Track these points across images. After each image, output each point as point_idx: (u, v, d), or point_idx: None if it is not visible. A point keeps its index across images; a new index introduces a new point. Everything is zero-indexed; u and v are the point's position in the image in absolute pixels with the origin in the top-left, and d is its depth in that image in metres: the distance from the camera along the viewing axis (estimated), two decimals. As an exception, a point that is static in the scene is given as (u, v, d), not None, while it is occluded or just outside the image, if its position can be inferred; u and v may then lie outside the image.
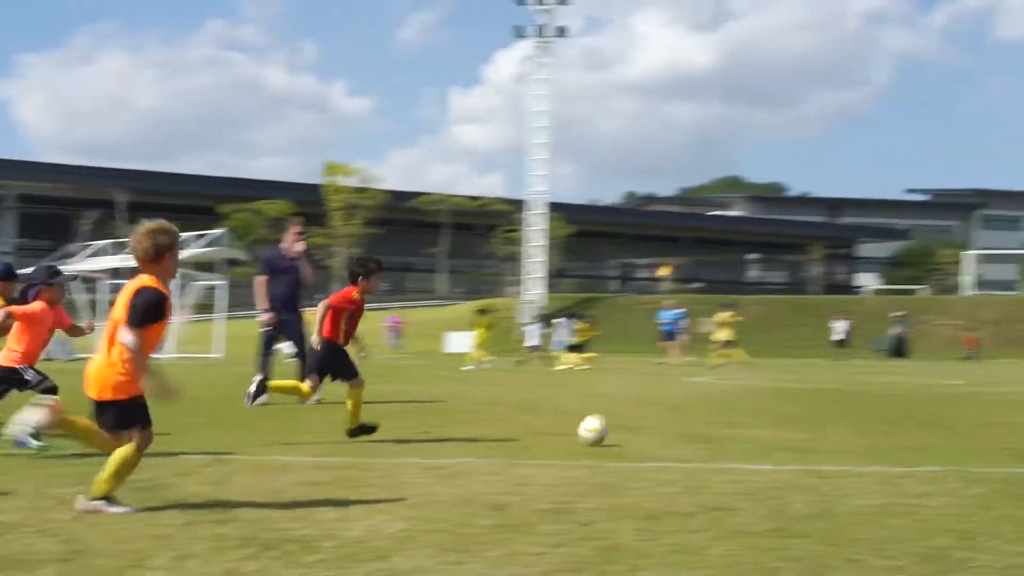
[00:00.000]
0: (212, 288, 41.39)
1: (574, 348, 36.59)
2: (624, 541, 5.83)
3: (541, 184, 70.32)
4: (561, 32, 69.51)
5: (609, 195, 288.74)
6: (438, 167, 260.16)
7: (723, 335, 37.02)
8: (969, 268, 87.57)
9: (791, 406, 16.91)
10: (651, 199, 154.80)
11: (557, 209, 77.53)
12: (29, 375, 9.83)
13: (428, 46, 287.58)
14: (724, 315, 37.52)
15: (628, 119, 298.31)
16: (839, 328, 51.26)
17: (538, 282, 69.63)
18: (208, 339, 40.25)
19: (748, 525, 6.34)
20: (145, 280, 6.40)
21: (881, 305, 68.54)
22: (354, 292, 10.85)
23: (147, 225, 6.48)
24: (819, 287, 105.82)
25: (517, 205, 76.82)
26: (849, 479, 8.31)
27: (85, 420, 6.88)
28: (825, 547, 5.76)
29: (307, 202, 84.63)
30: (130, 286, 6.42)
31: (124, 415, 6.40)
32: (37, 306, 9.96)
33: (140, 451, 6.45)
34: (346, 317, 10.77)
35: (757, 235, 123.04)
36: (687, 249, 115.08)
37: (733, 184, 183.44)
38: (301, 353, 15.44)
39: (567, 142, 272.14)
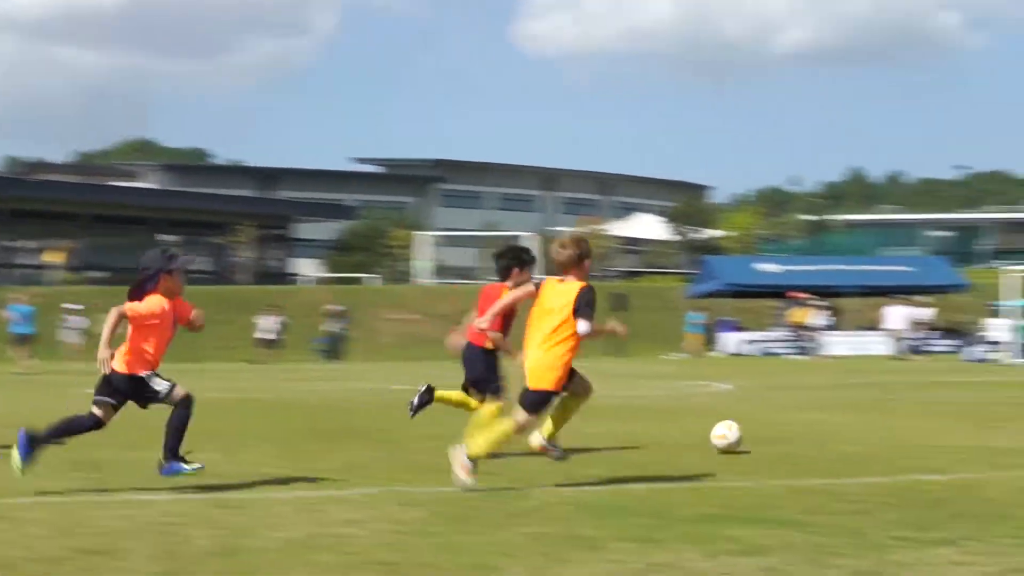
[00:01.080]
0: None
1: None
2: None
3: None
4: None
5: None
6: None
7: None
8: (425, 252, 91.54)
9: (204, 421, 16.92)
10: (39, 166, 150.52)
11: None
12: (157, 384, 9.84)
13: None
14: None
15: (6, 65, 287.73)
16: (267, 325, 52.04)
17: None
18: None
19: (134, 569, 6.34)
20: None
21: (323, 296, 70.28)
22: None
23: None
24: (250, 275, 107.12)
25: None
26: (266, 507, 8.44)
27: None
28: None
29: None
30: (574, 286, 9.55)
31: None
32: (154, 303, 9.75)
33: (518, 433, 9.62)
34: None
35: (174, 212, 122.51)
36: (85, 229, 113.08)
37: (144, 149, 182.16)
38: None
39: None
